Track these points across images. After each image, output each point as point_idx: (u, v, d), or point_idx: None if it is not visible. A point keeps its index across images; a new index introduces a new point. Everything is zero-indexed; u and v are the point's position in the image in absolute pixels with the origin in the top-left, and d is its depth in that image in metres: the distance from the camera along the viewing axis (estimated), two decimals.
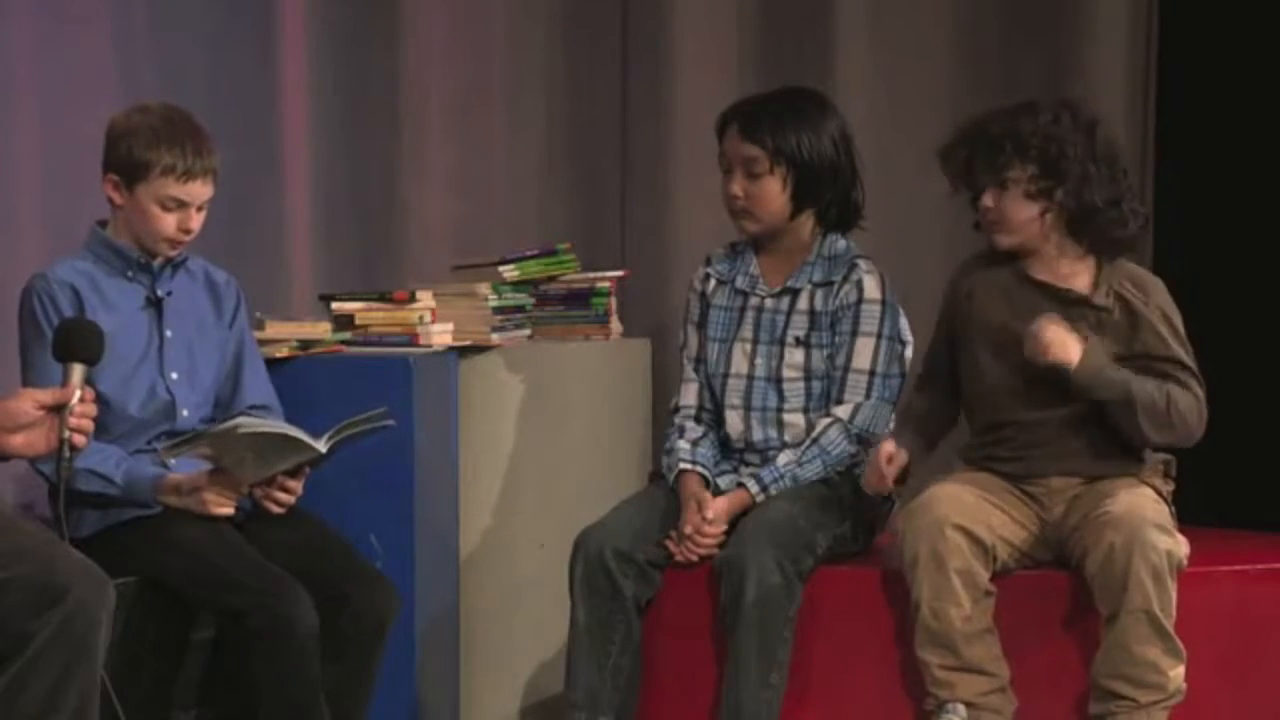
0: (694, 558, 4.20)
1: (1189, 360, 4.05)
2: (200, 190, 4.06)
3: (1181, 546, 3.95)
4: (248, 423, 3.92)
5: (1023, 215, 4.05)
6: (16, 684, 3.39)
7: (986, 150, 4.06)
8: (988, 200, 4.07)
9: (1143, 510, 3.95)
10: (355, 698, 4.02)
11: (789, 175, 4.27)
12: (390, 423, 4.07)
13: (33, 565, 3.45)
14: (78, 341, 3.58)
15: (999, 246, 4.10)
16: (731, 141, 4.31)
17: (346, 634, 3.96)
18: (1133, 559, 3.88)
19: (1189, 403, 4.02)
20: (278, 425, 3.97)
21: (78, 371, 3.55)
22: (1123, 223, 4.05)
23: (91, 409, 3.55)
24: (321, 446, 3.95)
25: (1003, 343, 4.09)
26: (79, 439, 3.53)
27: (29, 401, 3.52)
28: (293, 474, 4.05)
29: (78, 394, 3.52)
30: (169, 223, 4.06)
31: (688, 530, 4.19)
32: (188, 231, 4.08)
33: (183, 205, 4.05)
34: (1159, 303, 4.07)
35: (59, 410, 3.51)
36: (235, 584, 3.89)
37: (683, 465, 4.31)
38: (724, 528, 4.20)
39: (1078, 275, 4.09)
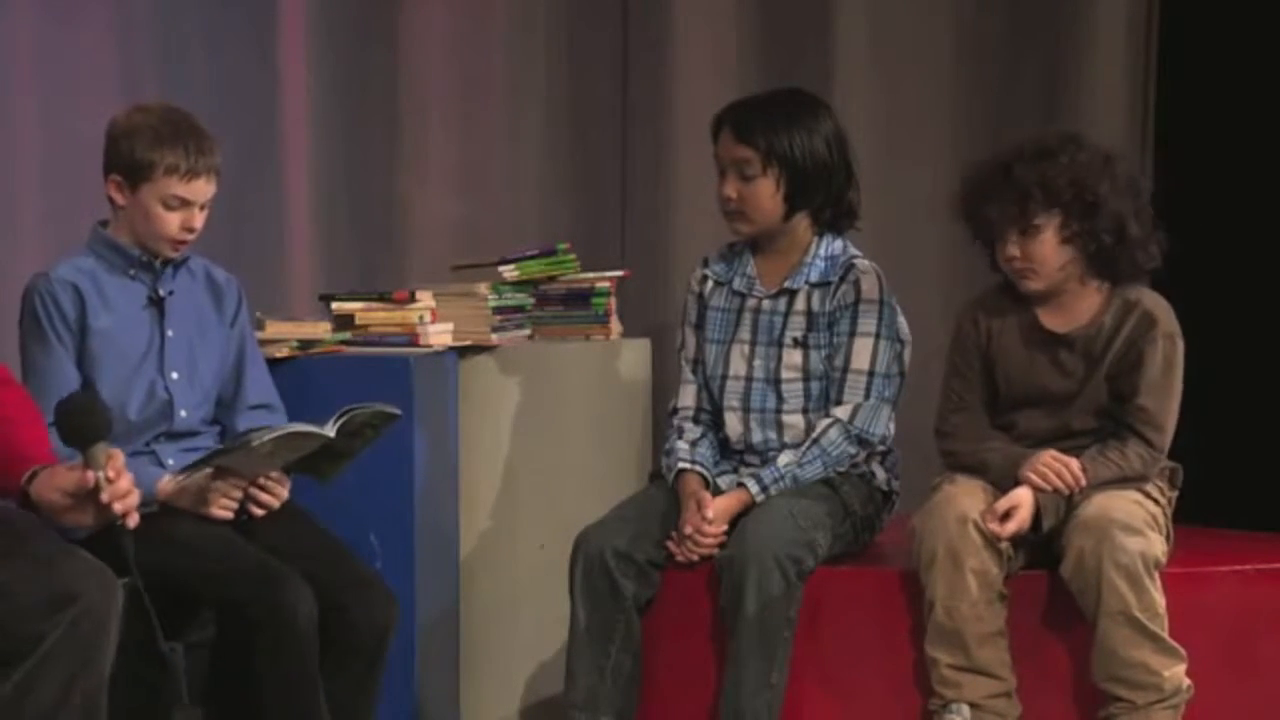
0: (694, 558, 4.20)
1: (1160, 415, 4.07)
2: (203, 189, 4.06)
3: (1156, 545, 3.95)
4: (259, 433, 3.93)
5: (1057, 260, 4.05)
6: (25, 684, 3.40)
7: (1013, 199, 4.03)
8: (1013, 249, 4.05)
9: (1111, 513, 3.94)
10: (360, 707, 4.01)
11: (781, 177, 4.26)
12: (397, 412, 4.08)
13: (43, 568, 3.46)
14: (86, 425, 3.42)
15: (1028, 291, 4.08)
16: (725, 143, 4.31)
17: (347, 643, 3.96)
18: (1102, 563, 3.89)
19: (1141, 459, 4.05)
20: (286, 426, 3.97)
21: (94, 453, 3.37)
22: (1152, 256, 4.07)
23: (125, 482, 3.38)
24: (330, 431, 3.95)
25: (1025, 399, 4.13)
26: (131, 520, 3.39)
27: (55, 493, 3.41)
28: (285, 471, 4.06)
29: (99, 476, 3.35)
30: (173, 222, 4.06)
31: (687, 530, 4.19)
32: (191, 230, 4.08)
33: (186, 204, 4.06)
34: (1163, 342, 4.07)
35: (92, 493, 3.37)
36: (233, 576, 3.89)
37: (682, 465, 4.31)
38: (724, 527, 4.20)
39: (1088, 307, 4.10)
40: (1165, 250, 4.10)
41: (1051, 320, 4.13)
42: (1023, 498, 3.98)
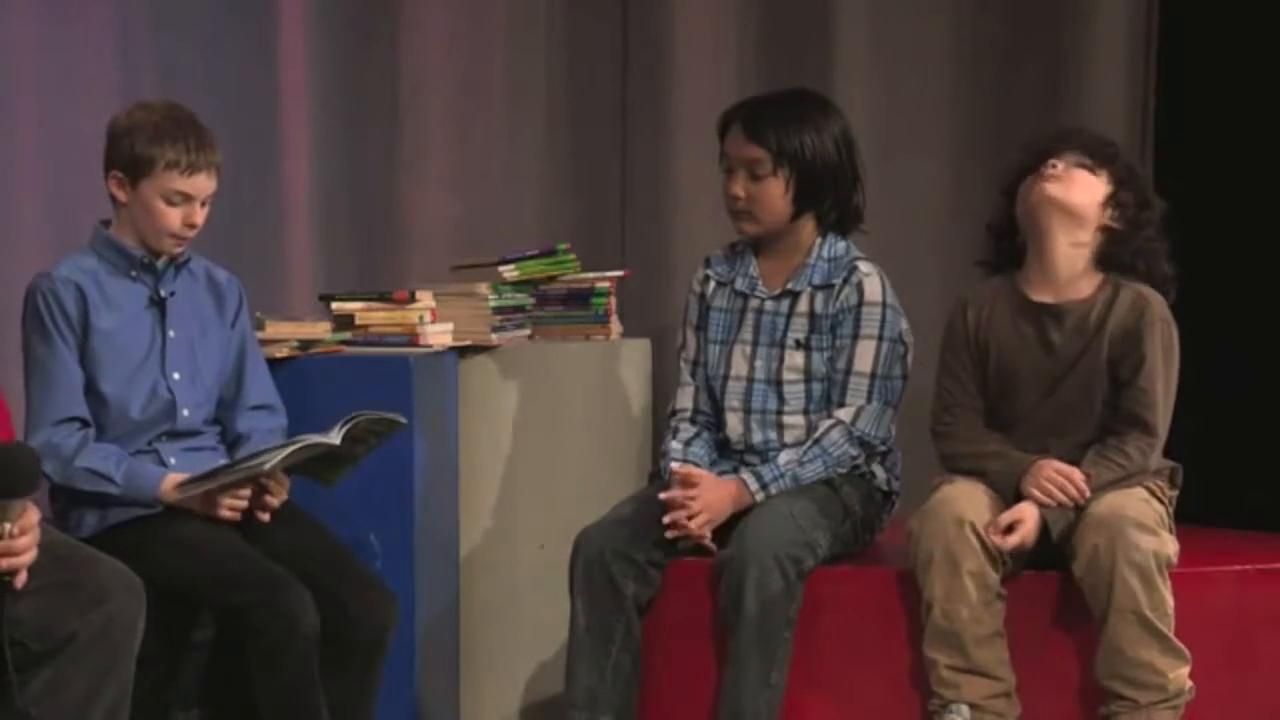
0: (684, 515, 4.17)
1: (1159, 399, 4.07)
2: (204, 184, 4.07)
3: (1168, 545, 3.96)
4: (268, 455, 3.94)
5: (1090, 198, 4.07)
6: (57, 680, 3.48)
7: (1093, 142, 4.13)
8: (1060, 164, 4.08)
9: (1125, 510, 3.95)
10: (359, 707, 4.02)
11: (792, 177, 4.26)
12: (402, 420, 4.10)
13: (75, 571, 3.53)
14: (2, 482, 3.38)
15: (1045, 194, 4.07)
16: (734, 142, 4.30)
17: (346, 643, 3.96)
18: (1116, 560, 3.88)
19: (1140, 452, 4.06)
20: (292, 443, 3.98)
21: (6, 507, 3.34)
22: (1156, 268, 4.12)
23: (23, 542, 3.37)
24: (335, 439, 3.96)
25: (1014, 379, 4.13)
26: (19, 580, 3.38)
27: None
28: (287, 472, 4.07)
29: (5, 527, 3.34)
30: (174, 218, 4.07)
31: (671, 496, 4.18)
32: (192, 226, 4.08)
33: (187, 199, 4.06)
34: (1160, 326, 4.08)
35: None
36: (236, 581, 3.90)
37: (674, 464, 4.30)
38: (716, 505, 4.18)
39: (1081, 285, 4.10)
40: (1173, 282, 4.14)
41: (1039, 294, 4.12)
42: (1026, 513, 3.98)
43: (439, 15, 5.30)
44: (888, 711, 4.12)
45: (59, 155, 4.66)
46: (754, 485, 4.22)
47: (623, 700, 4.20)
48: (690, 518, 4.17)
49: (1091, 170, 4.10)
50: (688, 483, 4.18)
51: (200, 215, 4.09)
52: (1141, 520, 3.94)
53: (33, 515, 3.38)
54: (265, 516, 4.06)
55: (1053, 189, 4.08)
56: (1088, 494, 4.00)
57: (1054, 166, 4.09)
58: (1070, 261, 4.10)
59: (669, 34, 5.44)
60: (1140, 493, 4.04)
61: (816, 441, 4.24)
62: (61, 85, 4.71)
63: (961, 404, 4.18)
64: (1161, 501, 4.09)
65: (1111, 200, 4.09)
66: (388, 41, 5.24)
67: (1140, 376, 4.06)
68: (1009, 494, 4.03)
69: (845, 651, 4.15)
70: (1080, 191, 4.08)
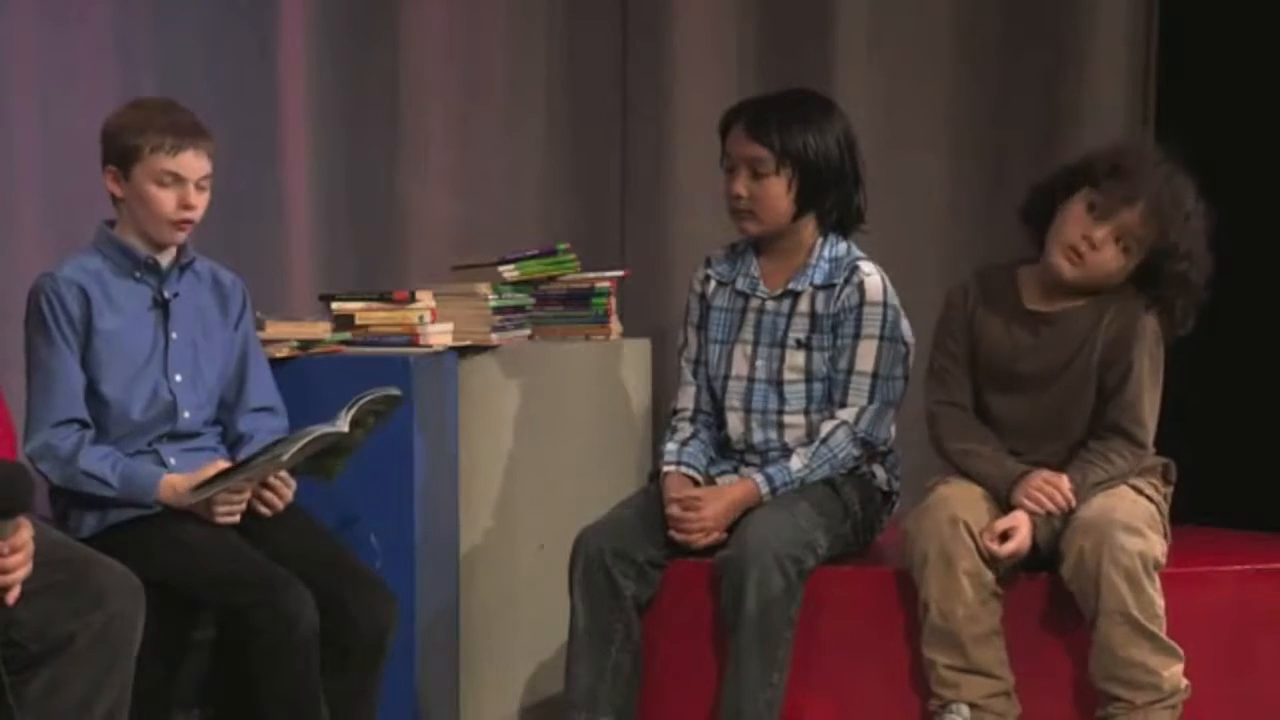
0: (695, 538, 4.19)
1: (1147, 411, 4.07)
2: (193, 163, 4.05)
3: (1156, 546, 3.96)
4: (282, 446, 3.94)
5: (1108, 275, 4.06)
6: (57, 681, 3.48)
7: (1123, 179, 4.04)
8: (1099, 231, 4.02)
9: (1112, 513, 3.95)
10: (360, 708, 4.02)
11: (794, 177, 4.26)
12: (398, 393, 4.10)
13: (75, 572, 3.53)
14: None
15: (1058, 270, 4.04)
16: (737, 141, 4.30)
17: (347, 644, 3.96)
18: (1102, 563, 3.89)
19: (1124, 459, 4.06)
20: (304, 434, 3.97)
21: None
22: (1184, 311, 4.10)
23: (15, 560, 3.36)
24: (343, 426, 3.96)
25: (1001, 380, 4.13)
26: (10, 596, 3.37)
27: None
28: (291, 472, 4.07)
29: None
30: (168, 201, 4.05)
31: (671, 513, 4.19)
32: (188, 208, 4.06)
33: (179, 180, 4.04)
34: (1150, 336, 4.07)
35: None
36: (236, 581, 3.90)
37: (666, 467, 4.31)
38: (717, 509, 4.19)
39: (1077, 295, 4.10)
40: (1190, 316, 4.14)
41: (1035, 300, 4.12)
42: (1020, 520, 3.99)
43: (439, 15, 5.30)
44: (888, 711, 4.12)
45: (59, 155, 4.67)
46: (765, 489, 4.21)
47: (623, 700, 4.21)
48: (696, 531, 4.19)
49: (1128, 248, 4.03)
50: (690, 507, 4.19)
51: (196, 198, 4.06)
52: (1129, 522, 3.94)
53: (25, 532, 3.37)
54: (266, 511, 4.06)
55: (1070, 272, 4.05)
56: (1074, 503, 4.01)
57: (1089, 242, 4.01)
58: (1072, 288, 4.11)
59: (669, 33, 5.44)
60: (1129, 493, 4.05)
61: (823, 442, 4.24)
62: (61, 85, 4.72)
63: (953, 382, 4.18)
64: (1154, 499, 4.09)
65: (1137, 272, 4.07)
66: (388, 42, 5.24)
67: (1126, 389, 4.06)
68: (1000, 500, 4.04)
69: (845, 651, 4.15)
70: (1097, 273, 4.05)
